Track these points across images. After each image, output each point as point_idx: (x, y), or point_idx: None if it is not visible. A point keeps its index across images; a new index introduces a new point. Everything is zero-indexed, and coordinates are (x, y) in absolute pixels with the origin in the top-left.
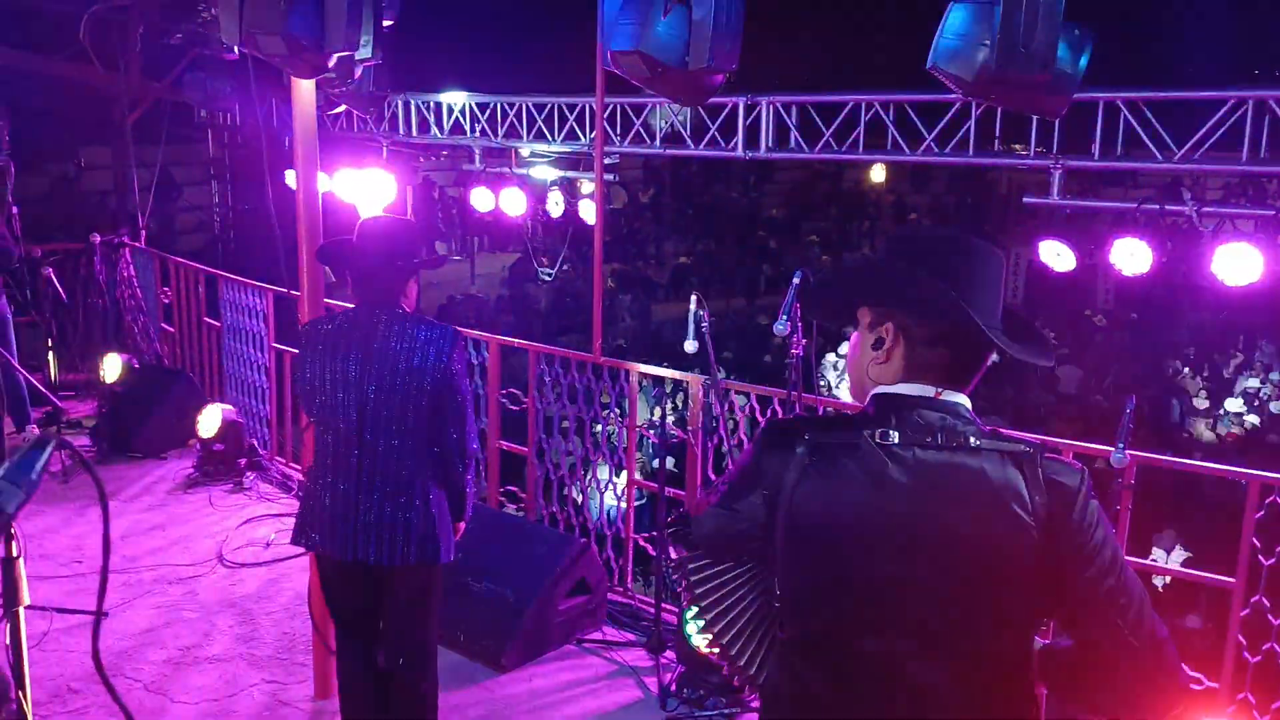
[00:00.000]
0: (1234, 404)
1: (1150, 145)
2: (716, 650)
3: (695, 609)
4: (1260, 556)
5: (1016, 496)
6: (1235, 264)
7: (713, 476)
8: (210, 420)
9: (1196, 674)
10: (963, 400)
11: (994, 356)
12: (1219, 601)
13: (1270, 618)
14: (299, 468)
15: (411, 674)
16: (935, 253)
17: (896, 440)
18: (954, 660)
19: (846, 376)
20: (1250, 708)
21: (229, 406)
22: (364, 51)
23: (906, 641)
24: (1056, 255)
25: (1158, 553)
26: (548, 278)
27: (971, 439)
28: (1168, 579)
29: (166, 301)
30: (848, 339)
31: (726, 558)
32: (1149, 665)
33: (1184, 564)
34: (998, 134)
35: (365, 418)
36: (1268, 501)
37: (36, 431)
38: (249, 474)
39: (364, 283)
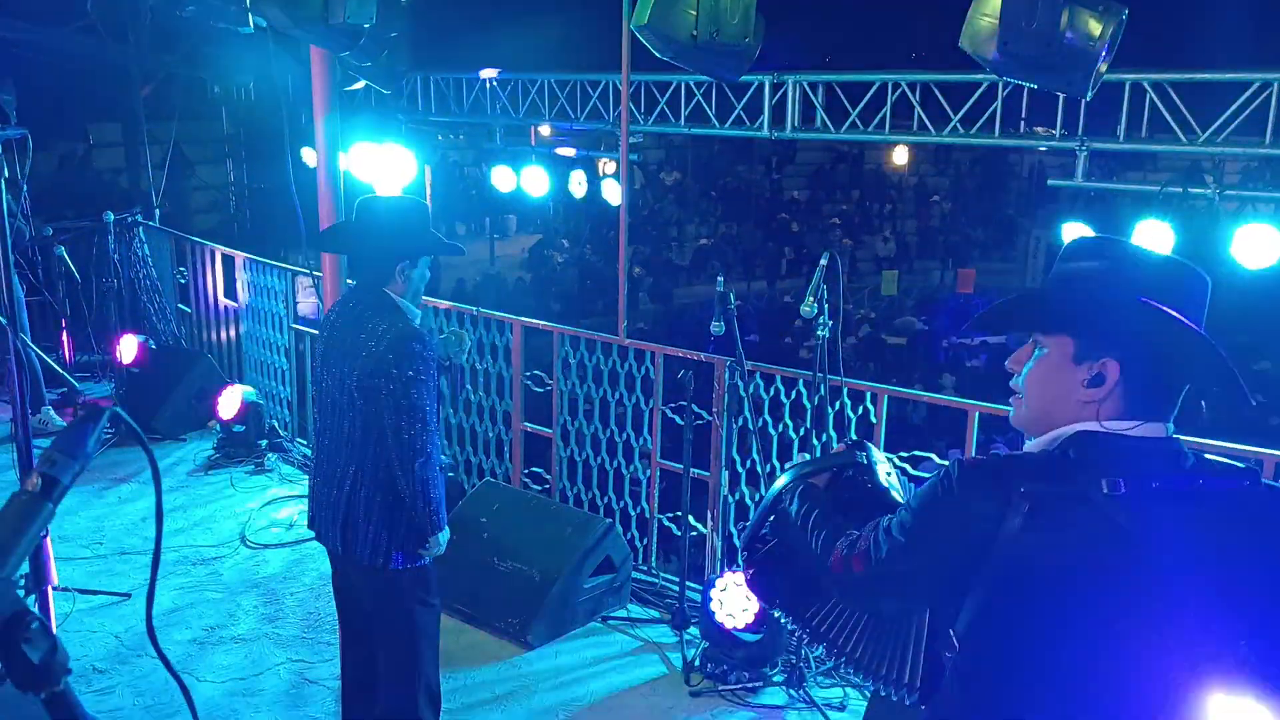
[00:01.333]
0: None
1: (1175, 128)
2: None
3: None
4: None
5: (1238, 535)
6: (1255, 246)
7: (735, 457)
8: (230, 402)
9: None
10: (1175, 436)
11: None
12: None
13: None
14: None
15: (389, 675)
16: (1163, 283)
17: (1124, 490)
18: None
19: (1027, 399)
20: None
21: (249, 388)
22: (361, 15)
23: (1137, 686)
24: (1079, 236)
25: None
26: (561, 259)
27: (1199, 480)
28: None
29: (182, 282)
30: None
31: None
32: None
33: None
34: (1024, 115)
35: (331, 405)
36: None
37: (53, 412)
38: (270, 455)
39: (354, 264)
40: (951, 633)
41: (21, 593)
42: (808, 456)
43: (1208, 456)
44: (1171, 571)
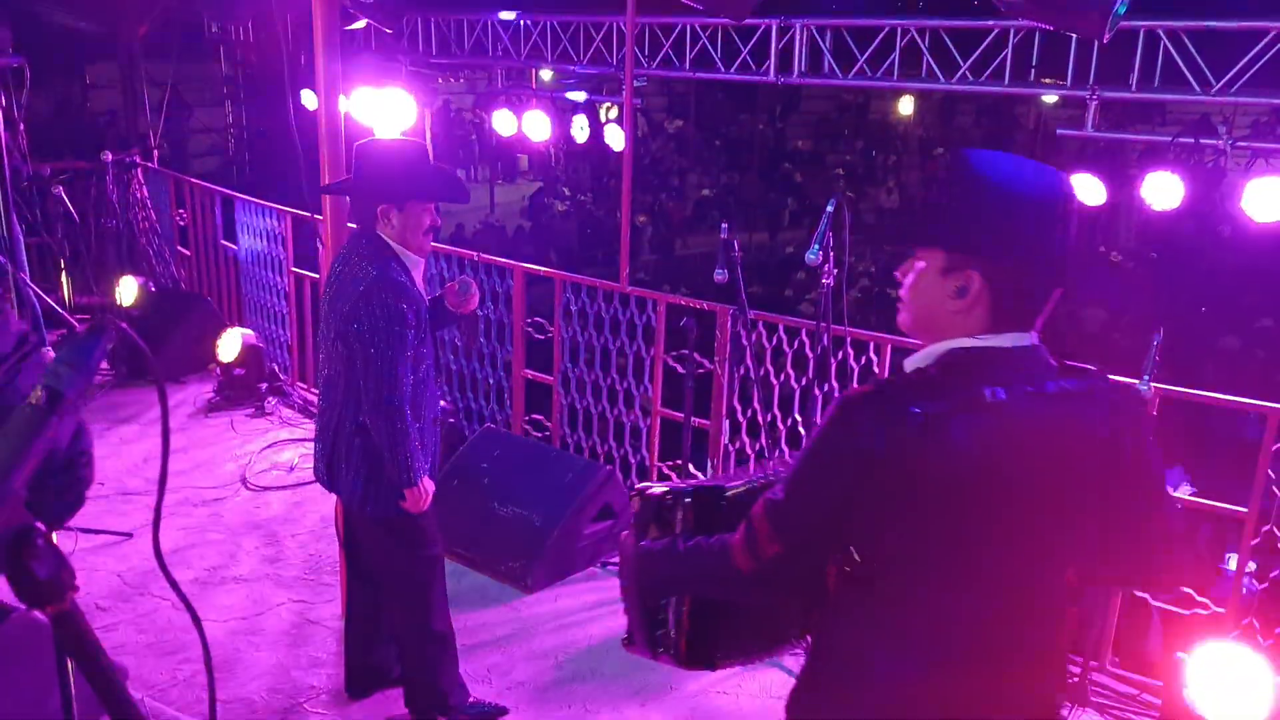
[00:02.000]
0: (1229, 341)
1: (1189, 77)
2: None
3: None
4: (1275, 488)
5: (1110, 431)
6: (1265, 199)
7: (736, 406)
8: (230, 345)
9: (1204, 600)
10: (1035, 342)
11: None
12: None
13: None
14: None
15: (391, 620)
16: (1019, 192)
17: (1005, 396)
18: (1031, 602)
19: (908, 308)
20: (1255, 631)
21: (248, 331)
22: None
23: (1006, 599)
24: (1087, 188)
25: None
26: (562, 207)
27: (1064, 383)
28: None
29: (182, 224)
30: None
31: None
32: (1180, 550)
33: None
34: (1034, 64)
35: (324, 349)
36: None
37: (52, 354)
38: (270, 399)
39: (351, 208)
40: (852, 549)
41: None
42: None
43: (1066, 363)
44: (1052, 467)
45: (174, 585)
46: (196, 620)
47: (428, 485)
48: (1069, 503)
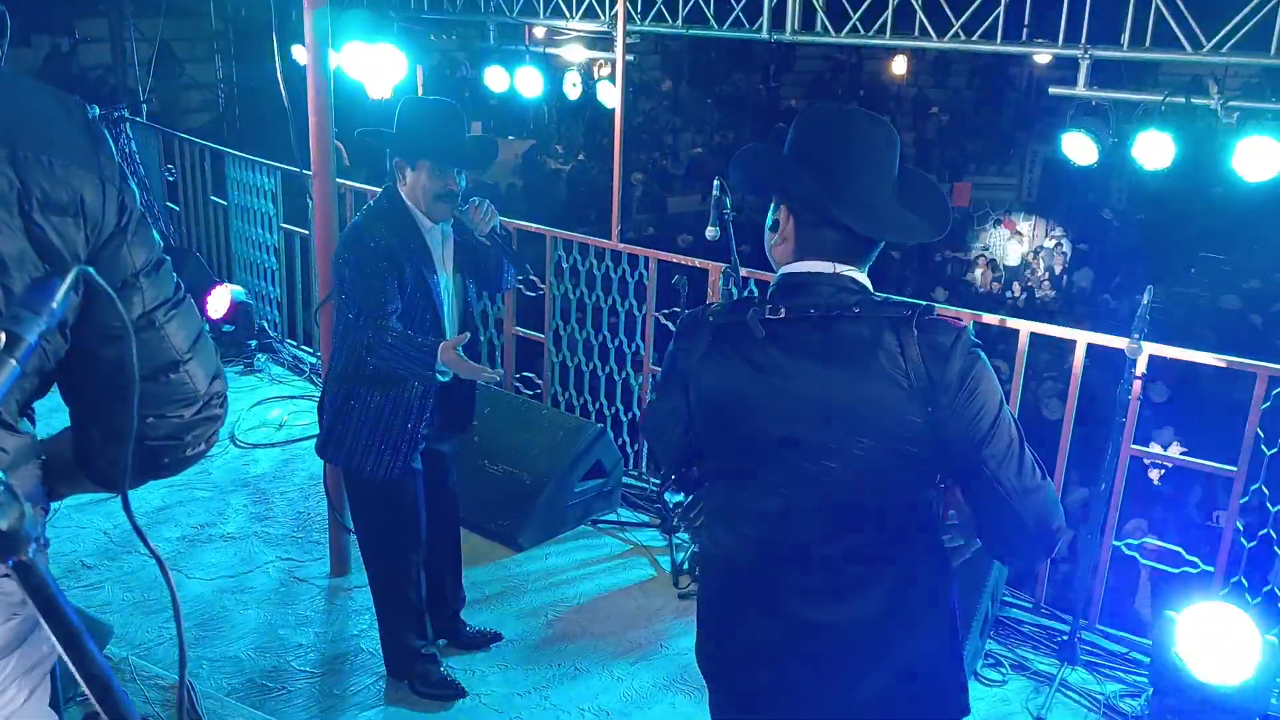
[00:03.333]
0: (1230, 300)
1: (1180, 36)
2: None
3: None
4: (1263, 446)
5: (891, 358)
6: (1257, 158)
7: None
8: (219, 301)
9: (1193, 558)
10: (857, 275)
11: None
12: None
13: (1269, 505)
14: (311, 350)
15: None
16: (809, 136)
17: (783, 315)
18: (846, 521)
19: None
20: (1243, 590)
21: (238, 287)
22: None
23: (797, 505)
24: (1079, 147)
25: (1154, 449)
26: (556, 165)
27: (855, 308)
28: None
29: (171, 179)
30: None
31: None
32: (1020, 511)
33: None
34: (1026, 23)
35: None
36: (1274, 393)
37: None
38: (260, 356)
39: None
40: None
41: None
42: None
43: (886, 297)
44: (803, 381)
45: (139, 533)
46: (165, 572)
47: (447, 354)
48: (860, 426)
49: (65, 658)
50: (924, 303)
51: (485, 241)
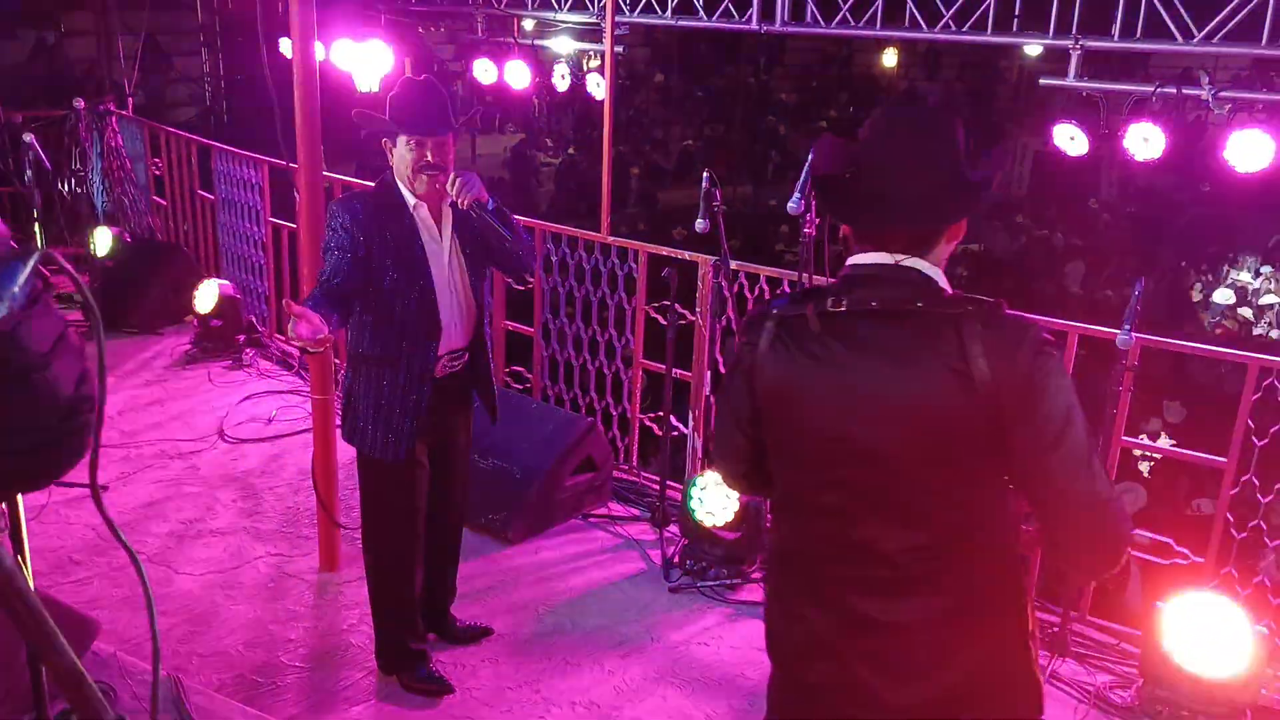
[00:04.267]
0: (1222, 295)
1: (1171, 27)
2: None
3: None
4: (1253, 438)
5: (953, 355)
6: (1248, 150)
7: (718, 357)
8: (207, 296)
9: (1183, 549)
10: (921, 265)
11: (956, 221)
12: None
13: (1259, 496)
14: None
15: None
16: (869, 132)
17: (844, 308)
18: (905, 518)
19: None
20: (1233, 580)
21: (226, 282)
22: None
23: (856, 501)
24: (1070, 139)
25: (1144, 439)
26: (546, 159)
27: (918, 302)
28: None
29: (158, 173)
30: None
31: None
32: (1088, 524)
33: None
34: (1017, 14)
35: None
36: (1265, 384)
37: None
38: (248, 351)
39: None
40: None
41: None
42: None
43: (947, 290)
44: (864, 380)
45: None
46: (138, 565)
47: (301, 316)
48: (922, 426)
49: (37, 653)
50: (991, 299)
51: (472, 213)
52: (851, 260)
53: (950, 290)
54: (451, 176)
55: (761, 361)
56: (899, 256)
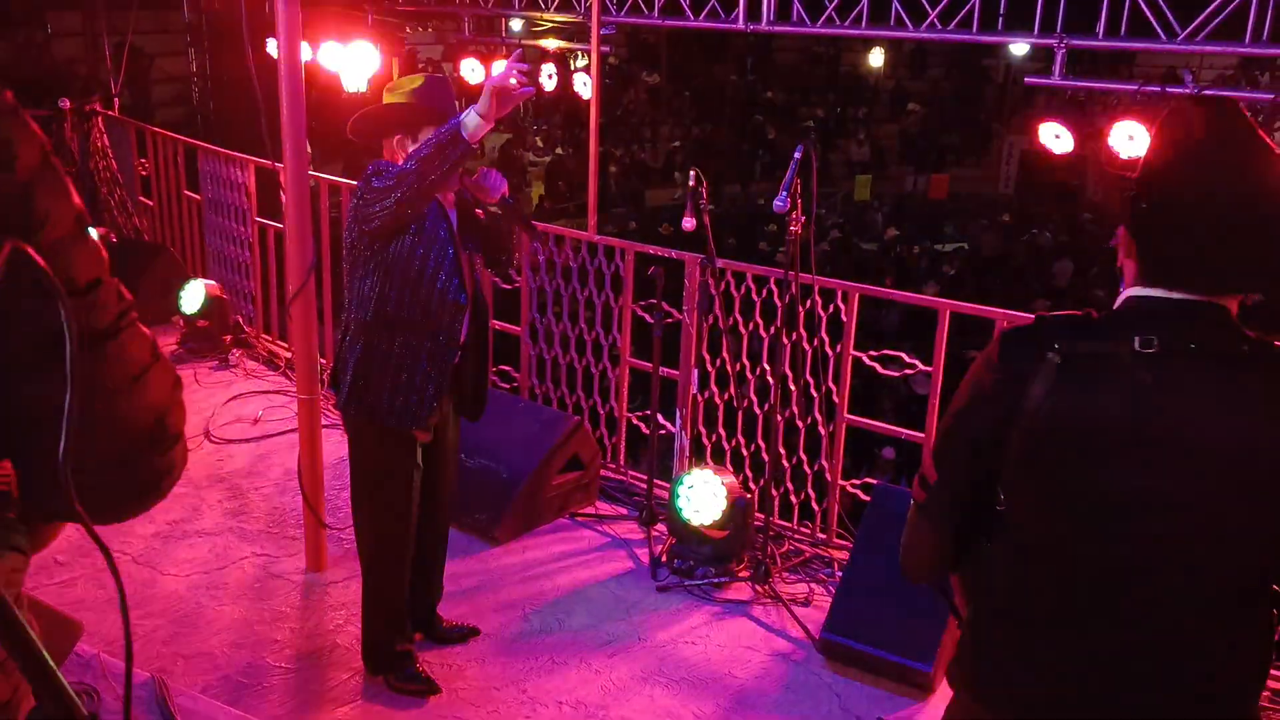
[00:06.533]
0: None
1: (1155, 26)
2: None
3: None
4: None
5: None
6: None
7: (705, 355)
8: (194, 296)
9: None
10: (1226, 306)
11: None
12: None
13: None
14: (286, 345)
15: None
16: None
17: (1156, 348)
18: (1191, 584)
19: None
20: None
21: (212, 282)
22: None
23: (1141, 557)
24: (1055, 137)
25: None
26: (535, 158)
27: (1244, 345)
28: None
29: (144, 174)
30: None
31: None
32: None
33: None
34: (1001, 13)
35: None
36: None
37: None
38: (235, 351)
39: None
40: (999, 488)
41: None
42: None
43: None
44: (1188, 427)
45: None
46: (110, 559)
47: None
48: (1217, 478)
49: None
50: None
51: (495, 210)
52: (1137, 292)
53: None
54: (481, 170)
55: (1041, 401)
56: (1199, 295)
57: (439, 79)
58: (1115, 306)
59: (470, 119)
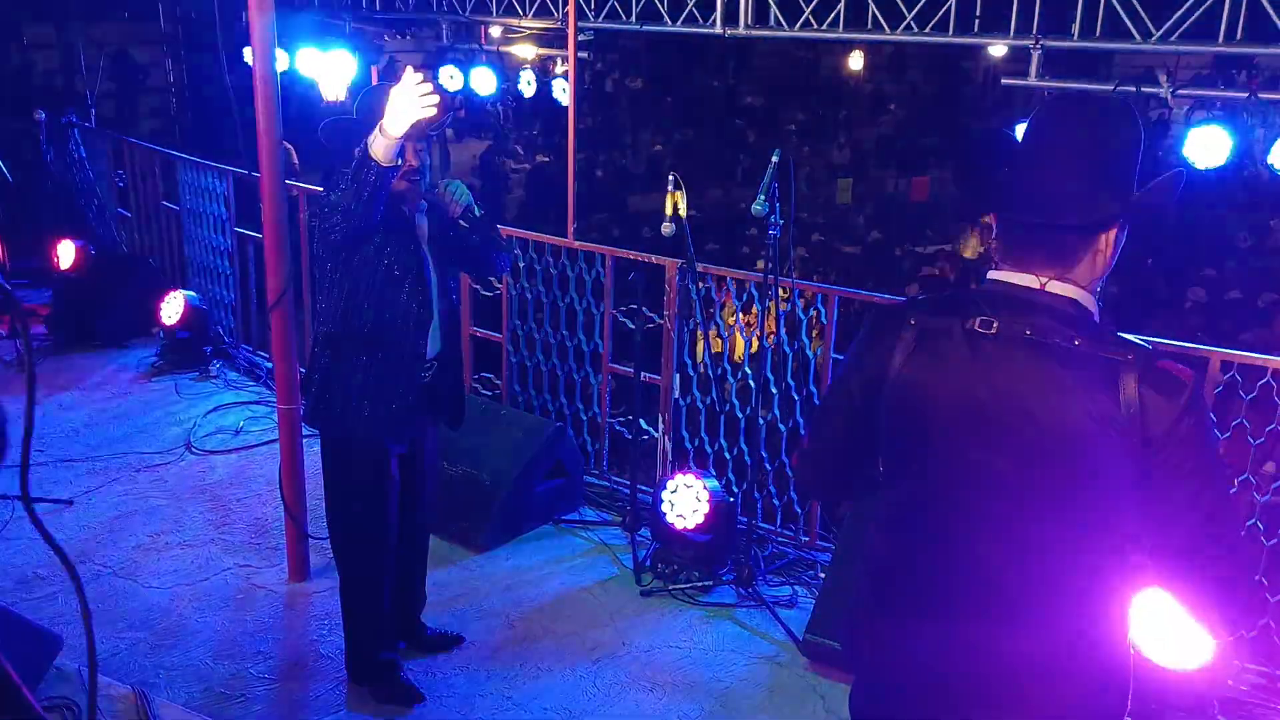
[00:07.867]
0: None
1: (1130, 27)
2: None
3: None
4: (1216, 432)
5: (1106, 403)
6: (1206, 146)
7: (687, 360)
8: (173, 307)
9: None
10: (1071, 292)
11: (1114, 238)
12: None
13: None
14: (267, 355)
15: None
16: (1035, 119)
17: (996, 330)
18: (1024, 545)
19: None
20: None
21: (192, 293)
22: None
23: (979, 520)
24: None
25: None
26: (516, 165)
27: (1075, 340)
28: None
29: (121, 185)
30: None
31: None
32: (1211, 583)
33: None
34: (977, 15)
35: None
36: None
37: None
38: (215, 362)
39: None
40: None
41: None
42: None
43: (1120, 334)
44: (1010, 405)
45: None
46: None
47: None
48: (1061, 461)
49: None
50: (1148, 345)
51: (463, 224)
52: (994, 275)
53: (1100, 321)
54: (445, 184)
55: (898, 371)
56: (1045, 280)
57: (380, 88)
58: (975, 287)
59: (375, 143)
